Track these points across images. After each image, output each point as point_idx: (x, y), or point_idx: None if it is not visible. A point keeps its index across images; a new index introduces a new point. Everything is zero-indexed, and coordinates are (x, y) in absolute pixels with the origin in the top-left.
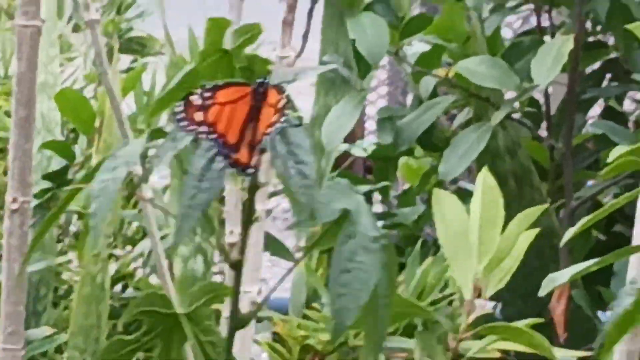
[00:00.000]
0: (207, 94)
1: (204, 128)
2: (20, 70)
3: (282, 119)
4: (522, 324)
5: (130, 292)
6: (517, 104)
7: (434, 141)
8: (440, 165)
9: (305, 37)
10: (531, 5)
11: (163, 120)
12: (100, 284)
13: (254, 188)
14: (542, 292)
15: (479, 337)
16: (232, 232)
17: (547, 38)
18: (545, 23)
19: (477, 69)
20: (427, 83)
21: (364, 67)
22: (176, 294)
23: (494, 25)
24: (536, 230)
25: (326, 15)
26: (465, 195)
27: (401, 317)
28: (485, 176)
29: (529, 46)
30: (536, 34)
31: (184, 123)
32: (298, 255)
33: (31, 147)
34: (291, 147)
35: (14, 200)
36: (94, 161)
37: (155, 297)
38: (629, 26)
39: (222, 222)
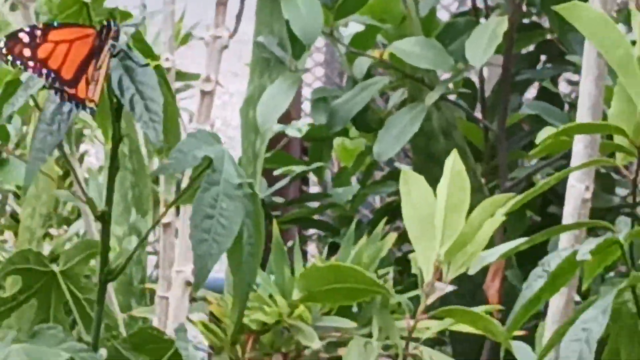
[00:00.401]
0: (37, 32)
1: (31, 63)
2: None
3: (115, 45)
4: (479, 309)
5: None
6: (451, 85)
7: (368, 122)
8: (374, 145)
9: (239, 17)
10: None
11: None
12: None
13: (116, 138)
14: (472, 271)
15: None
16: (166, 213)
17: (482, 19)
18: (481, 5)
19: (412, 49)
20: (362, 64)
21: (299, 47)
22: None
23: (429, 7)
24: (502, 218)
25: None
26: (397, 175)
27: (362, 294)
28: (454, 161)
29: (464, 27)
30: (471, 15)
31: (9, 57)
32: None
33: None
34: (137, 85)
35: None
36: (29, 140)
37: (30, 254)
38: (557, 8)
39: (156, 204)
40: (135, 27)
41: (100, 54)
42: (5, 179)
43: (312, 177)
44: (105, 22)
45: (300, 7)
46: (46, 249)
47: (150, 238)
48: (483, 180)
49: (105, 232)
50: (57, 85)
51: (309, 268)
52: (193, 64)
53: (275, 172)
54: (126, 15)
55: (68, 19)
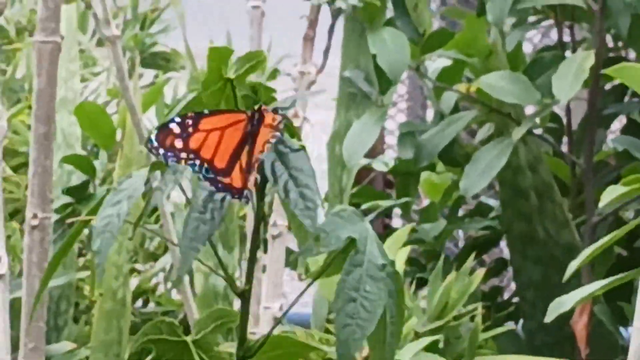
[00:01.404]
0: (189, 122)
1: (183, 155)
2: (39, 87)
3: (276, 135)
4: None
5: (151, 307)
6: (538, 119)
7: (455, 156)
8: (461, 180)
9: (326, 52)
10: (552, 20)
11: None
12: (122, 299)
13: (259, 216)
14: (548, 318)
15: None
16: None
17: (568, 53)
18: (567, 38)
19: (499, 84)
20: (449, 98)
21: (385, 82)
22: (197, 309)
23: (516, 41)
24: (407, 248)
25: (347, 30)
26: (486, 210)
27: (296, 356)
28: None
29: (550, 61)
30: (557, 50)
31: (160, 150)
32: None
33: (51, 164)
34: (292, 170)
35: (34, 216)
36: (115, 176)
37: (163, 325)
38: None
39: (243, 239)
40: (287, 110)
41: (253, 139)
42: (92, 214)
43: (396, 210)
44: (255, 107)
45: (387, 41)
46: (133, 284)
47: (237, 274)
48: (570, 216)
49: (245, 309)
50: (210, 175)
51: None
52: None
53: (363, 207)
54: (269, 90)
55: (212, 96)
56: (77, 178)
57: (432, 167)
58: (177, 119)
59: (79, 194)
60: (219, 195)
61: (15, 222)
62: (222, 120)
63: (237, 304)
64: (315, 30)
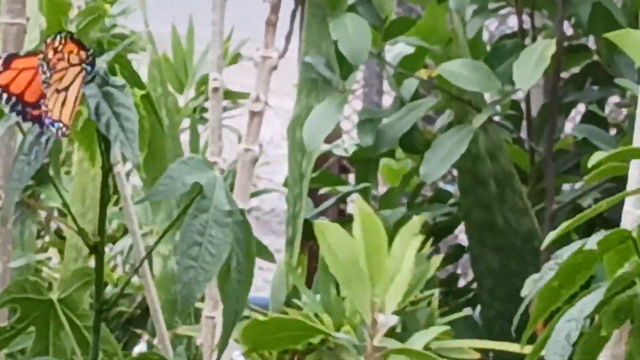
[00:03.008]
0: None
1: None
2: None
3: (90, 71)
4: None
5: (109, 289)
6: (498, 107)
7: (415, 143)
8: (421, 167)
9: (288, 37)
10: (511, 7)
11: None
12: None
13: (105, 168)
14: (524, 292)
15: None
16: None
17: (527, 41)
18: (525, 26)
19: (459, 71)
20: (410, 85)
21: (346, 68)
22: (156, 292)
23: (476, 28)
24: (420, 237)
25: (309, 15)
26: (445, 197)
27: (304, 338)
28: (360, 205)
29: (511, 49)
30: (517, 37)
31: None
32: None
33: (14, 145)
34: (115, 107)
35: None
36: (74, 158)
37: (28, 283)
38: (609, 35)
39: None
40: (117, 54)
41: (53, 68)
42: (50, 197)
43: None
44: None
45: (349, 27)
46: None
47: None
48: (529, 204)
49: (100, 263)
50: (19, 108)
51: (253, 322)
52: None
53: (321, 192)
54: (112, 44)
55: None
56: None
57: (391, 154)
58: None
59: (39, 176)
60: (44, 138)
61: None
62: (34, 60)
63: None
64: (277, 15)
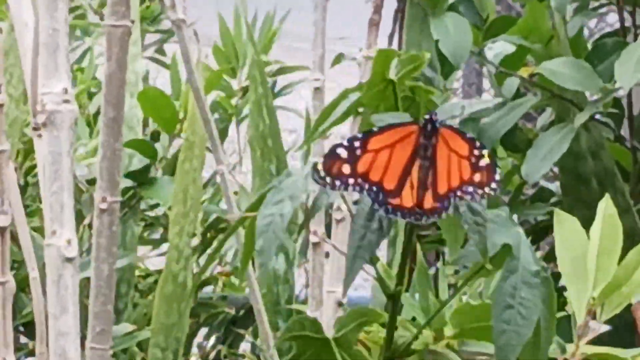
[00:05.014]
0: (356, 144)
1: (351, 180)
2: (109, 71)
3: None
4: (631, 352)
5: (209, 290)
6: (599, 105)
7: (516, 142)
8: (522, 166)
9: (391, 37)
10: (612, 6)
11: None
12: (182, 282)
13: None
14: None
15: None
16: (315, 232)
17: (628, 38)
18: (627, 23)
19: (561, 70)
20: (511, 84)
21: (448, 67)
22: (258, 290)
23: (577, 26)
24: None
25: (410, 15)
26: (547, 196)
27: None
28: (606, 204)
29: (612, 48)
30: (619, 35)
31: (328, 180)
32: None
33: (120, 147)
34: (475, 216)
35: (103, 200)
36: (180, 158)
37: (306, 322)
38: None
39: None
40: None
41: (427, 153)
42: (153, 197)
43: None
44: (427, 116)
45: (450, 27)
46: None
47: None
48: (632, 202)
49: (395, 310)
50: (380, 198)
51: (463, 305)
52: (335, 82)
53: None
54: (427, 92)
55: (373, 97)
56: (138, 161)
57: (493, 153)
58: (345, 143)
59: (140, 177)
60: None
61: None
62: (391, 136)
63: (297, 287)
64: (380, 14)
